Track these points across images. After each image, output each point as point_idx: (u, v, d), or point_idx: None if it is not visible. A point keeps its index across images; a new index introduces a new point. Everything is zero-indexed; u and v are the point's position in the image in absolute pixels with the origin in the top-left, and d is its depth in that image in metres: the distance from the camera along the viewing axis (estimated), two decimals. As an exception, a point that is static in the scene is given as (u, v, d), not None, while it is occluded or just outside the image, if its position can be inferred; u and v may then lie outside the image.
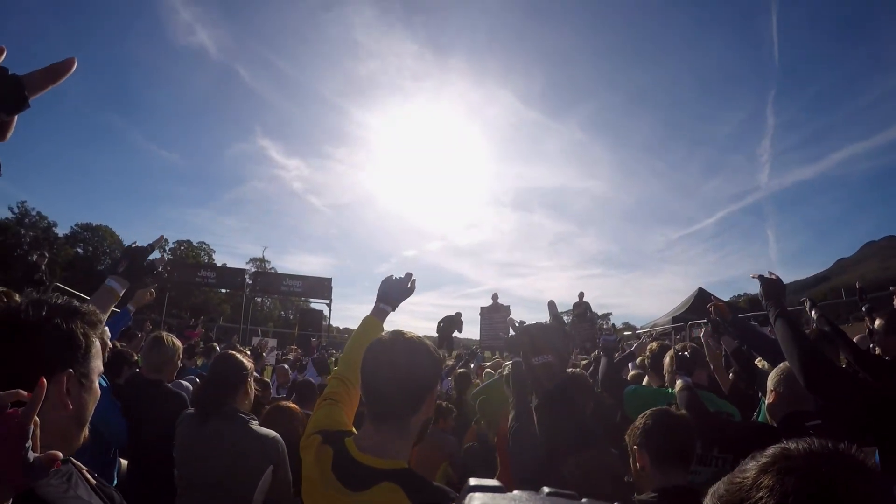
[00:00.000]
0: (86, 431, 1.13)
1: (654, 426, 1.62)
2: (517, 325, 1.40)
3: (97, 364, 1.13)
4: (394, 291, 1.73)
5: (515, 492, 0.39)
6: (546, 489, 0.39)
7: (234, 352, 2.57)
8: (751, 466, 0.65)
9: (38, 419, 0.84)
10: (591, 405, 3.75)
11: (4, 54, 0.63)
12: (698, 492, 1.45)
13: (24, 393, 0.83)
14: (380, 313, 1.70)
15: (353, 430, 1.34)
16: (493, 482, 0.40)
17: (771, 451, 0.65)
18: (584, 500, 0.38)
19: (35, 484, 0.89)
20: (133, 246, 1.94)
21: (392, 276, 1.77)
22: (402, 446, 1.22)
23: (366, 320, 1.67)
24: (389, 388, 1.20)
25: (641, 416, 1.70)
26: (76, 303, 1.13)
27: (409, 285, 1.77)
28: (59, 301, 1.09)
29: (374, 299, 1.75)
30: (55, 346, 1.03)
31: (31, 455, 0.82)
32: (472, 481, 0.40)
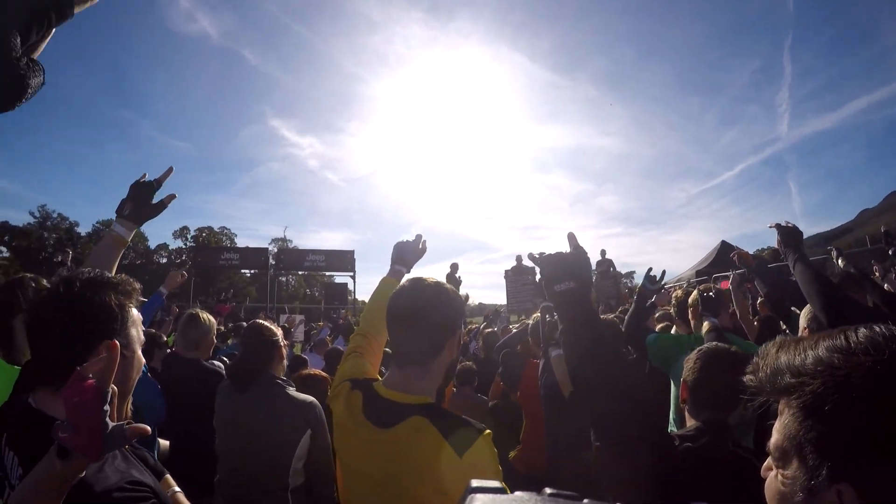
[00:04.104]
0: (129, 404, 1.16)
1: (695, 362, 1.60)
2: (536, 257, 1.40)
3: (136, 333, 1.15)
4: (407, 253, 1.81)
5: (517, 493, 0.39)
6: (548, 490, 0.39)
7: (260, 321, 2.61)
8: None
9: (115, 388, 0.84)
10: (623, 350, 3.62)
11: None
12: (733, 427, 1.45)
13: (111, 355, 0.83)
14: (396, 274, 1.78)
15: (379, 378, 1.40)
16: (495, 483, 0.40)
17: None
18: (585, 500, 0.38)
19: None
20: (138, 181, 1.72)
21: (404, 239, 1.86)
22: (428, 385, 1.27)
23: (384, 280, 1.76)
24: (412, 331, 1.25)
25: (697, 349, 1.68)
26: (108, 274, 1.15)
27: (421, 246, 1.85)
28: (90, 274, 1.11)
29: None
30: (92, 321, 1.06)
31: (109, 423, 0.82)
32: (474, 482, 0.40)
